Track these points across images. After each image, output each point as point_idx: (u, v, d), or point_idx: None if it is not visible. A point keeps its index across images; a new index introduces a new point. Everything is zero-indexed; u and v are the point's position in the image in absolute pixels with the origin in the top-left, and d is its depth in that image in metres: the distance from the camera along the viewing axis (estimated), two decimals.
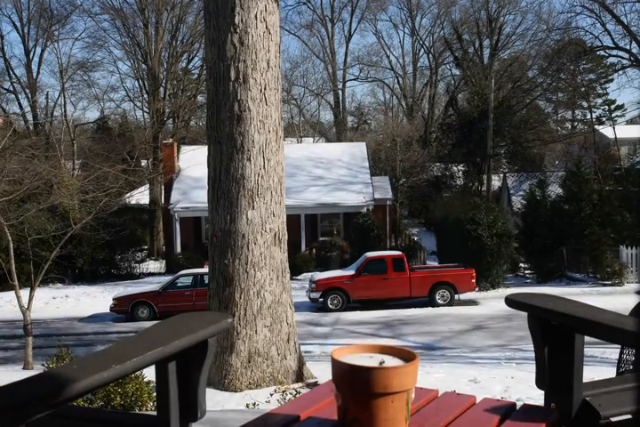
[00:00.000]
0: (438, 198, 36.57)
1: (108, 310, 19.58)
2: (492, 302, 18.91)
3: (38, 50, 39.13)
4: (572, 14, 35.35)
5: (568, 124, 52.21)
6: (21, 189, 15.51)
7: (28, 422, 1.62)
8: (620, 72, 36.99)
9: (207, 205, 8.57)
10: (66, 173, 25.34)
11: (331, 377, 1.90)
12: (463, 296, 19.93)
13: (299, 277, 25.21)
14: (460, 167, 41.23)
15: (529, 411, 2.19)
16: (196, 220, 28.99)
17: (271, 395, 7.39)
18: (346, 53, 51.17)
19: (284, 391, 7.36)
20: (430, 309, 19.03)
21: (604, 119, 47.02)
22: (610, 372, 3.53)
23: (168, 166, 31.46)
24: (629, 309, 3.01)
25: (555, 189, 28.98)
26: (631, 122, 46.95)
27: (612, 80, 44.75)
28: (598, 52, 38.24)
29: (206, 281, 13.79)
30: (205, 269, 17.70)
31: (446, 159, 41.89)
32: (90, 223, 16.70)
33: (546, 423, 2.06)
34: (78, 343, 15.42)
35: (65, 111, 38.04)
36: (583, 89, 41.23)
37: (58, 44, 39.10)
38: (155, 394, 6.10)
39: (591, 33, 35.93)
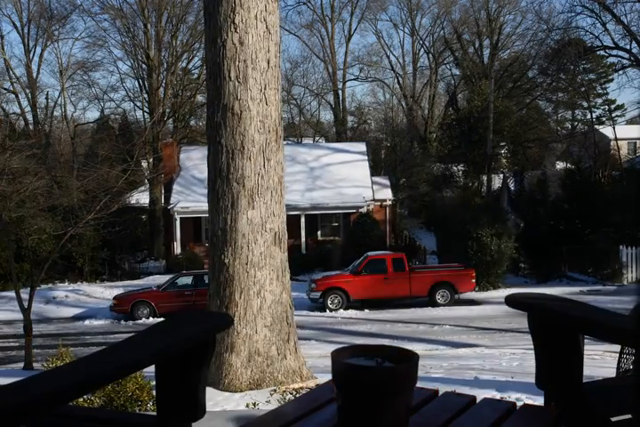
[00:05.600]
0: (438, 198, 36.55)
1: (108, 310, 19.59)
2: (491, 302, 18.90)
3: (38, 50, 39.13)
4: (572, 14, 35.20)
5: (568, 124, 52.16)
6: (21, 189, 15.49)
7: (28, 422, 1.62)
8: (620, 72, 36.92)
9: (207, 205, 8.57)
10: (66, 173, 25.32)
11: (331, 377, 1.90)
12: (463, 296, 19.93)
13: (299, 277, 25.18)
14: (460, 167, 41.19)
15: (529, 411, 2.19)
16: (195, 220, 28.97)
17: (271, 395, 7.38)
18: (346, 53, 51.16)
19: (284, 391, 7.36)
20: (430, 309, 19.03)
21: (604, 119, 46.97)
22: (609, 372, 3.53)
23: (168, 166, 31.42)
24: (629, 309, 3.01)
25: (555, 189, 28.95)
26: (631, 122, 46.93)
27: (612, 80, 44.71)
28: (598, 52, 38.17)
29: (206, 281, 13.80)
30: (205, 270, 17.71)
31: (446, 159, 41.85)
32: (90, 223, 16.69)
33: (546, 423, 2.06)
34: (78, 343, 15.42)
35: (65, 111, 38.04)
36: (583, 89, 41.19)
37: (58, 43, 39.12)
38: (155, 394, 6.10)
39: (591, 33, 35.61)
